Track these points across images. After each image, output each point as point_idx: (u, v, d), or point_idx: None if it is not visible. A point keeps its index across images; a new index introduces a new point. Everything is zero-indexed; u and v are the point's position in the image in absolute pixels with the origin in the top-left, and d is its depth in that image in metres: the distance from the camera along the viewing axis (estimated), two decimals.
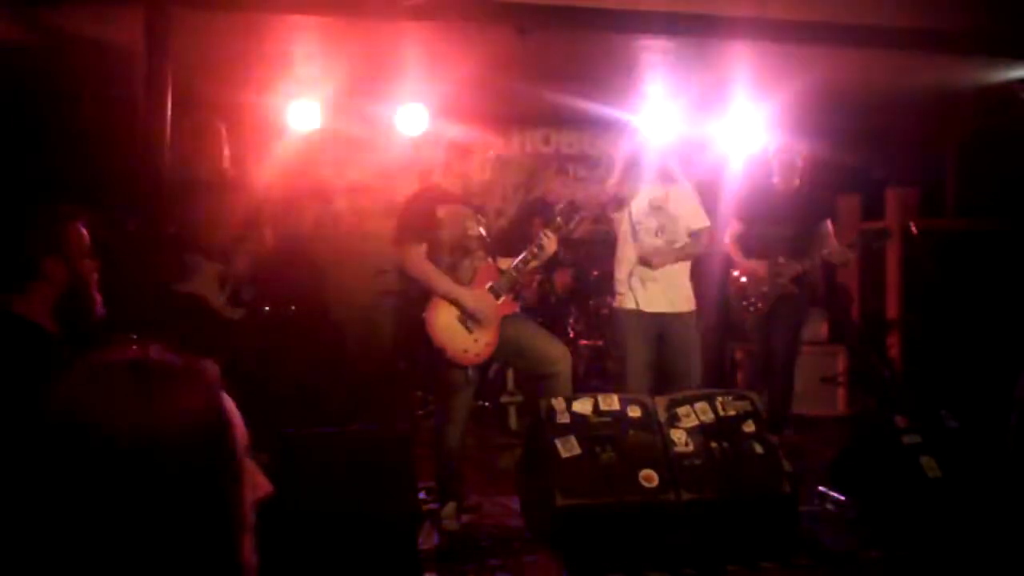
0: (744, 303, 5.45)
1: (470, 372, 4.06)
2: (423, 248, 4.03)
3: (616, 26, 4.82)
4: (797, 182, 5.41)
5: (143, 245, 4.19)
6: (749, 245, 5.46)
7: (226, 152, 4.59)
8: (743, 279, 5.44)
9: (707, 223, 4.67)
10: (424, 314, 4.02)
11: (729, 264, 5.63)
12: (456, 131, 4.61)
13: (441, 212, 4.08)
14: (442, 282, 4.02)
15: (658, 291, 4.66)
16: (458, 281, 4.06)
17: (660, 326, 4.65)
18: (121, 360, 0.96)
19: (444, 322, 4.02)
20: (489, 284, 4.10)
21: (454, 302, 4.02)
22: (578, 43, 5.34)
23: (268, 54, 5.21)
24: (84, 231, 2.36)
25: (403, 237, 4.09)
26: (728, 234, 5.51)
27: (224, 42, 5.04)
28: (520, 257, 4.15)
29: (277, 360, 4.98)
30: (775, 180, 5.44)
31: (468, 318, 4.02)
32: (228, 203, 4.52)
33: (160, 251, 4.31)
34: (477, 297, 4.05)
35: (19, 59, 5.21)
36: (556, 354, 4.11)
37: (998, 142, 6.81)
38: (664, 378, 4.62)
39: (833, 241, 5.45)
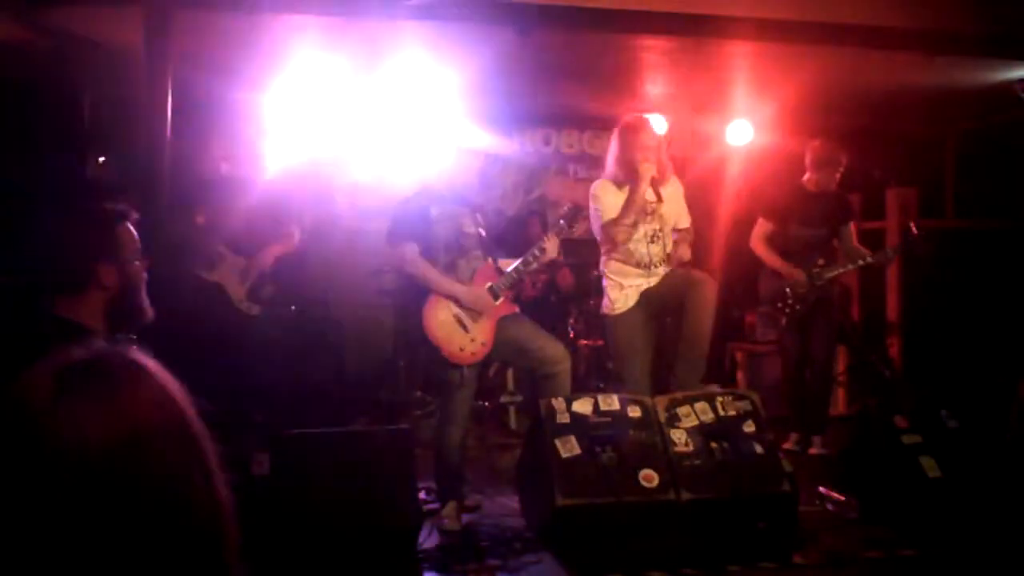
0: (779, 304, 5.35)
1: (466, 371, 4.06)
2: (416, 248, 4.03)
3: (616, 26, 4.82)
4: (835, 185, 5.35)
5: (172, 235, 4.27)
6: (781, 246, 5.36)
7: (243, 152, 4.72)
8: (781, 280, 5.33)
9: (689, 223, 4.56)
10: (421, 312, 4.02)
11: (750, 262, 5.56)
12: (455, 132, 4.62)
13: (435, 212, 4.08)
14: (439, 279, 4.03)
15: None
16: (456, 280, 4.07)
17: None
18: (76, 361, 0.94)
19: (440, 320, 4.02)
20: (488, 284, 4.10)
21: (452, 298, 4.02)
22: (578, 43, 5.34)
23: (268, 54, 5.21)
24: (134, 231, 2.33)
25: (396, 237, 4.10)
26: (756, 234, 5.42)
27: (224, 42, 5.04)
28: (521, 260, 4.15)
29: (277, 359, 4.99)
30: (808, 180, 5.36)
31: (465, 314, 4.02)
32: (263, 204, 4.63)
33: (189, 239, 4.41)
34: (475, 293, 4.05)
35: (19, 59, 5.22)
36: (557, 354, 4.10)
37: (998, 142, 6.81)
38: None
39: (856, 243, 5.44)
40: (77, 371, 0.93)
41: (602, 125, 7.29)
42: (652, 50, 5.52)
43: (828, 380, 5.58)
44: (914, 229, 5.38)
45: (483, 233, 4.21)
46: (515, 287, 4.25)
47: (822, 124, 6.26)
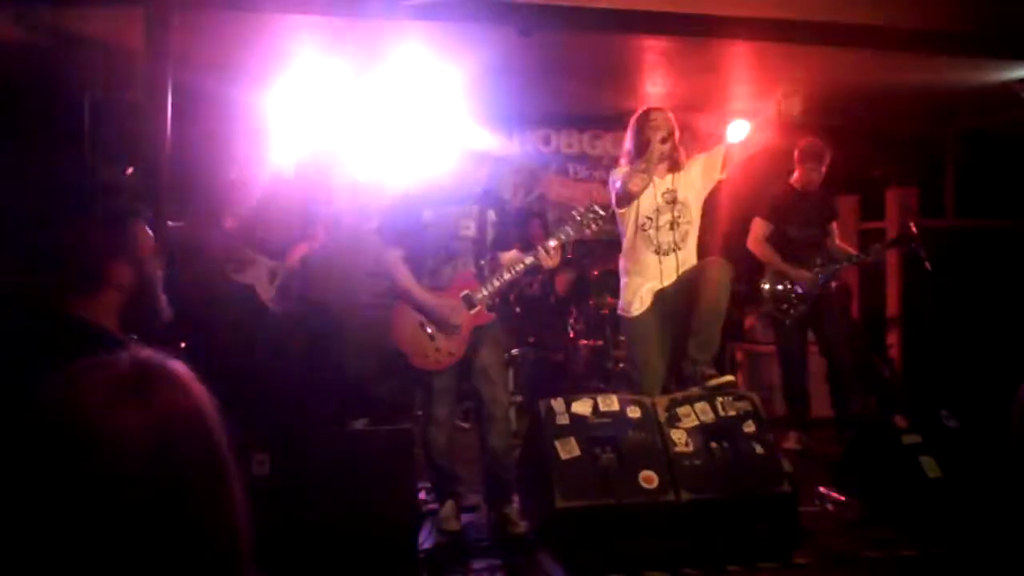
0: (784, 306, 5.36)
1: (445, 377, 4.00)
2: (400, 253, 4.01)
3: (616, 26, 4.82)
4: (820, 183, 5.38)
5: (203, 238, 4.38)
6: (780, 247, 5.37)
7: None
8: (784, 281, 5.34)
9: (720, 160, 4.54)
10: (392, 318, 4.02)
11: (750, 262, 5.54)
12: (455, 132, 4.60)
13: (428, 215, 4.01)
14: (412, 288, 3.98)
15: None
16: (436, 286, 4.00)
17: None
18: (105, 366, 0.96)
19: (407, 326, 3.99)
20: (464, 292, 3.98)
21: (420, 309, 3.98)
22: (578, 43, 5.34)
23: (268, 54, 5.21)
24: (148, 229, 2.32)
25: (383, 240, 4.08)
26: (756, 235, 5.42)
27: (224, 42, 5.04)
28: (516, 260, 4.00)
29: (289, 358, 5.02)
30: (795, 179, 5.40)
31: (430, 325, 3.96)
32: (287, 205, 4.71)
33: (220, 244, 4.48)
34: (444, 306, 3.95)
35: (19, 59, 5.21)
36: (500, 398, 4.02)
37: (998, 142, 6.82)
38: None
39: (839, 240, 5.50)
40: (130, 380, 0.95)
41: (602, 125, 7.31)
42: (652, 50, 5.52)
43: (852, 368, 5.53)
44: (913, 228, 5.39)
45: (486, 233, 4.07)
46: (492, 299, 4.02)
47: (822, 123, 6.26)
